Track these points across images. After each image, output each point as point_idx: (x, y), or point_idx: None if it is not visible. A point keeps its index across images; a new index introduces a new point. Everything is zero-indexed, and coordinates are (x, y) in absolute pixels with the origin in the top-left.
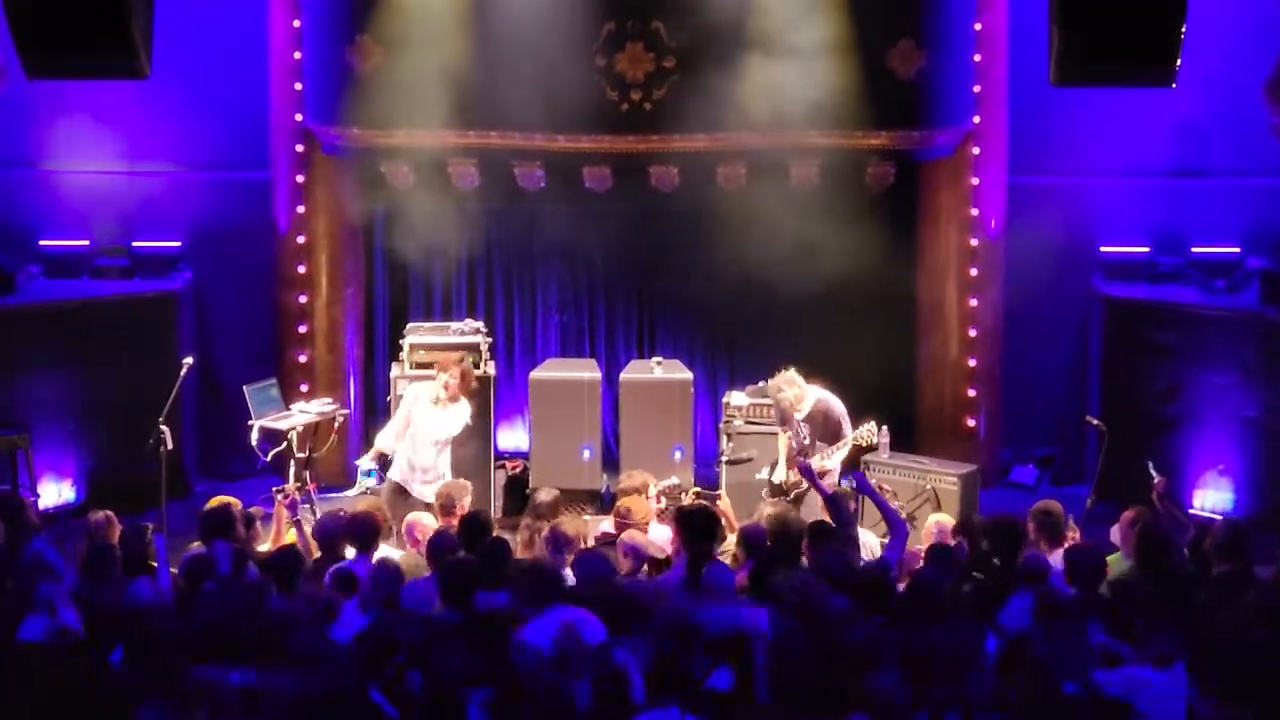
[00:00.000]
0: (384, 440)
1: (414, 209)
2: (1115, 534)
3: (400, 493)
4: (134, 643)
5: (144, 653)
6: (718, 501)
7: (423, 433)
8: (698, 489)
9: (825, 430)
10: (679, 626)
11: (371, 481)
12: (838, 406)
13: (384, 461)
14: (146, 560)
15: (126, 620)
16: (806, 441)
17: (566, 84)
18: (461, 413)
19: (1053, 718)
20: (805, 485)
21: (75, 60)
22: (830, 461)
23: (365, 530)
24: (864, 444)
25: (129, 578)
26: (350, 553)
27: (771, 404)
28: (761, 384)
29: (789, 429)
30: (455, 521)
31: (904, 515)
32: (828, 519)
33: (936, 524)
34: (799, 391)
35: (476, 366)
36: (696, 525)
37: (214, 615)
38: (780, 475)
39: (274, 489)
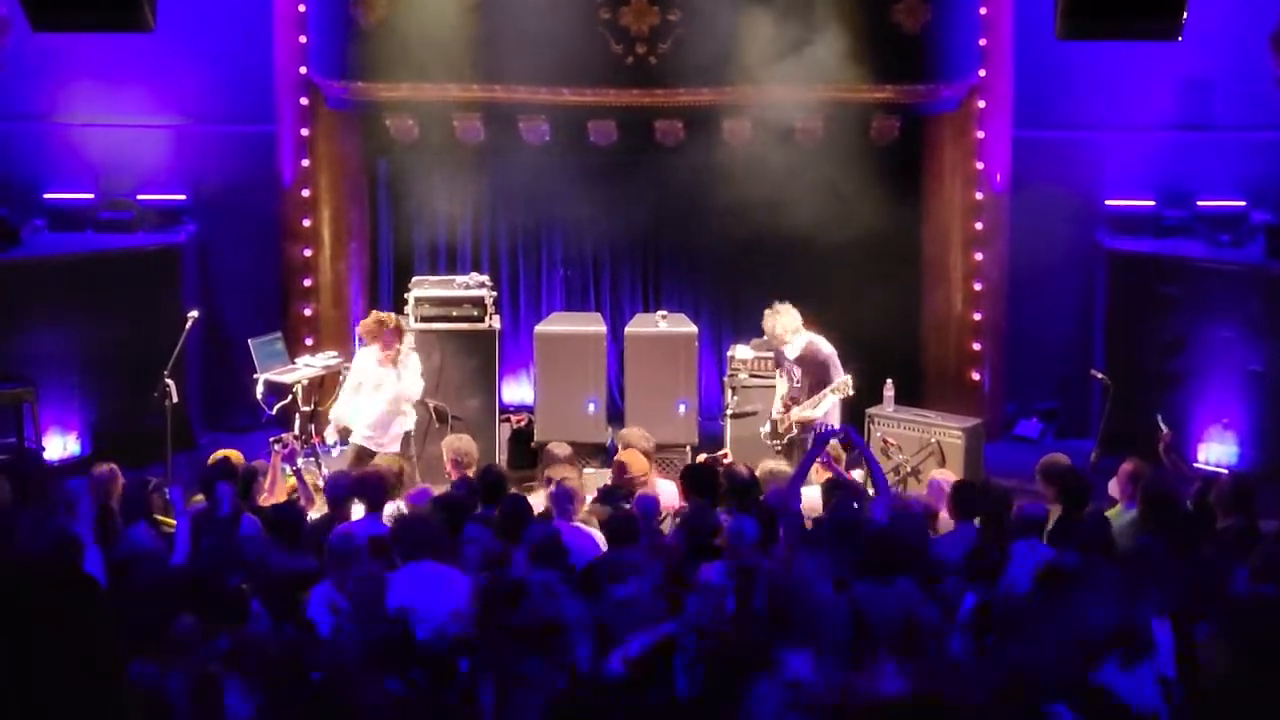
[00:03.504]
0: (340, 412)
1: (419, 163)
2: (1113, 487)
3: (366, 455)
4: (123, 591)
5: (132, 601)
6: (725, 460)
7: (391, 395)
8: (706, 455)
9: (814, 372)
10: None
11: (336, 453)
12: (825, 349)
13: (346, 434)
14: (148, 511)
15: (121, 568)
16: (799, 384)
17: (571, 37)
18: (414, 369)
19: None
20: (796, 430)
21: (80, 13)
22: (817, 411)
23: (375, 489)
24: (841, 394)
25: (127, 525)
26: (358, 511)
27: (773, 355)
28: (765, 337)
29: (783, 372)
30: (468, 476)
31: (909, 469)
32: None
33: (937, 478)
34: (788, 321)
35: (480, 320)
36: (694, 483)
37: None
38: (774, 416)
39: (271, 439)
